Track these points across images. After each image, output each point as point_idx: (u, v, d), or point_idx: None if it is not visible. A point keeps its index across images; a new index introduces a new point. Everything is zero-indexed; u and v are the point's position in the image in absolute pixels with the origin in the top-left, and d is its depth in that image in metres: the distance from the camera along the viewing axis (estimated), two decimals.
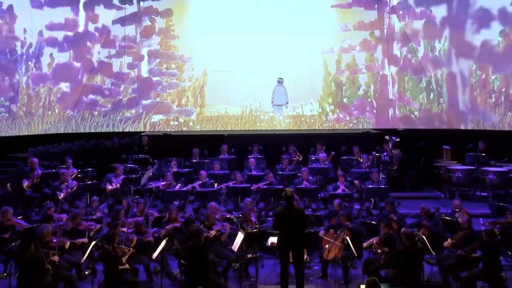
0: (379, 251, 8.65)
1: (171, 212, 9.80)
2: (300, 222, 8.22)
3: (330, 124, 17.56)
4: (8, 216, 9.39)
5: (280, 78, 17.21)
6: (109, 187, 12.22)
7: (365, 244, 8.98)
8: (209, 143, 14.75)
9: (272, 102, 17.39)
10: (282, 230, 8.22)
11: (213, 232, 9.12)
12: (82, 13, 16.65)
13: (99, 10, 16.95)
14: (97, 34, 16.98)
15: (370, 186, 11.97)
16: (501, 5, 15.04)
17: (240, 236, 8.79)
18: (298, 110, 17.60)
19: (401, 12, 17.16)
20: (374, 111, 17.55)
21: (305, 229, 8.59)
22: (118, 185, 12.29)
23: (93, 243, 8.63)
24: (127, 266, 8.03)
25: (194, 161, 13.81)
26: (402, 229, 8.72)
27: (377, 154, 13.65)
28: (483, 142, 13.71)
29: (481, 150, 13.64)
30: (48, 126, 16.15)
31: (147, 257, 8.85)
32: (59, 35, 16.19)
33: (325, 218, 10.38)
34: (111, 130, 16.91)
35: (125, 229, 9.05)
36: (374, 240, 8.81)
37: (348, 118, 17.57)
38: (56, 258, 7.92)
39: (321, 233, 9.42)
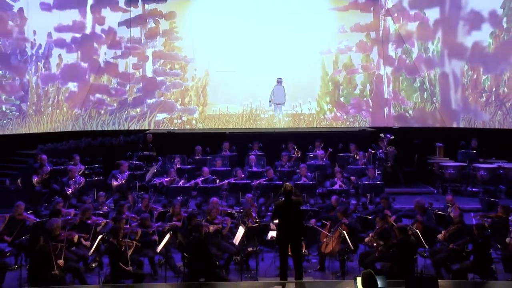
0: (374, 244, 8.66)
1: (175, 207, 9.80)
2: (297, 211, 8.24)
3: (327, 123, 17.55)
4: (19, 210, 9.41)
5: (279, 78, 17.20)
6: (115, 183, 12.24)
7: (366, 239, 8.96)
8: (211, 141, 14.75)
9: (270, 101, 17.37)
10: (281, 223, 8.23)
11: (211, 227, 9.11)
12: (89, 15, 16.62)
13: (106, 12, 16.93)
14: (103, 36, 16.96)
15: (366, 182, 11.97)
16: (491, 7, 15.00)
17: (241, 230, 8.79)
18: (297, 109, 17.58)
19: (395, 15, 17.14)
20: (370, 109, 17.55)
21: (301, 216, 8.59)
22: (123, 181, 12.29)
23: (99, 236, 8.64)
24: (130, 269, 7.99)
25: (197, 158, 13.82)
26: (392, 222, 8.76)
27: (372, 151, 13.66)
28: (476, 140, 13.70)
29: (474, 148, 13.64)
30: (56, 124, 16.14)
31: (152, 250, 8.87)
32: (67, 36, 16.17)
33: (321, 209, 10.39)
34: (117, 128, 16.90)
35: (127, 226, 9.06)
36: (371, 234, 8.83)
37: (345, 117, 17.57)
38: (61, 262, 7.83)
39: (312, 221, 9.42)
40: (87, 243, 8.79)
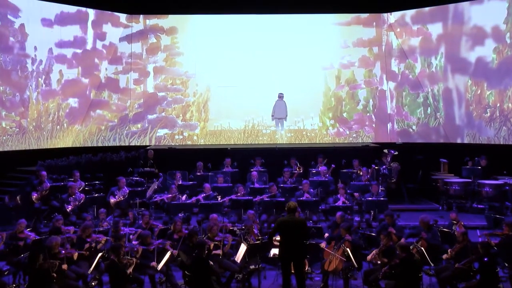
0: (378, 262, 8.62)
1: (176, 224, 9.79)
2: (301, 231, 8.21)
3: (330, 138, 17.58)
4: (21, 228, 9.39)
5: (281, 93, 17.28)
6: (112, 200, 12.20)
7: (368, 258, 8.93)
8: (212, 157, 14.77)
9: (272, 115, 17.43)
10: (284, 240, 8.21)
11: (211, 244, 9.08)
12: (90, 31, 16.76)
13: (107, 28, 17.07)
14: (104, 51, 17.08)
15: (370, 198, 11.94)
16: (494, 23, 15.09)
17: (243, 248, 8.77)
18: (299, 124, 17.63)
19: (398, 30, 17.26)
20: (373, 125, 17.59)
21: (306, 239, 8.57)
22: (121, 198, 12.26)
23: (99, 254, 8.62)
24: (130, 271, 8.00)
25: (198, 174, 13.82)
26: (396, 239, 8.72)
27: (376, 167, 13.64)
28: (486, 158, 13.63)
29: (482, 166, 13.57)
30: (56, 140, 16.18)
31: (152, 268, 8.83)
32: (68, 52, 16.29)
33: (328, 228, 10.35)
34: (118, 144, 16.96)
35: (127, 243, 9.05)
36: (374, 251, 8.79)
37: (348, 132, 17.60)
38: (65, 266, 7.90)
39: (323, 244, 9.39)
40: (86, 253, 8.82)
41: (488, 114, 15.39)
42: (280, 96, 17.30)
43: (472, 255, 8.28)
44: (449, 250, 8.77)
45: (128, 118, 17.35)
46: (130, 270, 8.12)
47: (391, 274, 8.06)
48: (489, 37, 15.22)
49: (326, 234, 9.97)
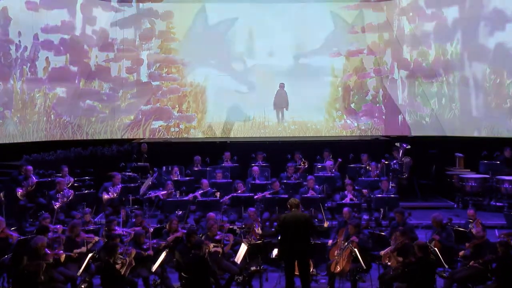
0: (389, 263, 8.63)
1: (172, 223, 9.79)
2: (305, 228, 8.27)
3: (337, 131, 17.58)
4: (0, 227, 9.37)
5: (282, 83, 17.26)
6: (105, 196, 12.20)
7: (382, 252, 8.93)
8: (211, 151, 14.80)
9: (274, 104, 17.40)
10: (288, 238, 8.24)
11: (211, 245, 9.08)
12: (79, 15, 16.70)
13: (97, 12, 17.01)
14: (94, 37, 17.03)
15: (379, 195, 11.94)
16: None
17: (243, 248, 8.77)
18: (304, 116, 17.60)
19: (411, 14, 17.17)
20: (383, 117, 17.57)
21: (314, 235, 8.63)
22: (115, 195, 12.26)
23: (89, 255, 8.62)
24: (122, 269, 8.02)
25: (196, 169, 13.83)
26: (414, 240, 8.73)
27: (386, 162, 13.63)
28: (511, 149, 13.58)
29: (508, 158, 13.50)
30: (43, 133, 16.18)
31: (147, 270, 8.84)
32: (55, 38, 16.22)
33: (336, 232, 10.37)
34: (109, 137, 16.96)
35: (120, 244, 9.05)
36: (389, 249, 8.81)
37: (356, 124, 17.58)
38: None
39: (330, 242, 9.42)
40: (83, 249, 8.82)
41: (508, 105, 15.30)
42: (281, 86, 17.30)
43: (490, 255, 8.28)
44: (462, 251, 8.73)
45: (120, 109, 17.33)
46: (123, 270, 8.12)
47: (404, 274, 8.06)
48: (510, 22, 15.09)
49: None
